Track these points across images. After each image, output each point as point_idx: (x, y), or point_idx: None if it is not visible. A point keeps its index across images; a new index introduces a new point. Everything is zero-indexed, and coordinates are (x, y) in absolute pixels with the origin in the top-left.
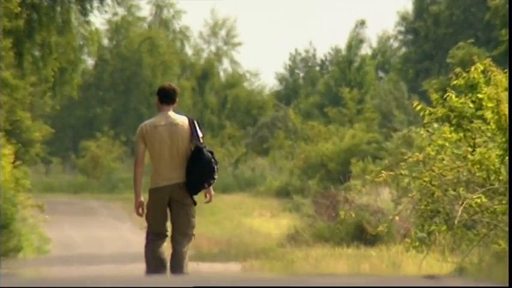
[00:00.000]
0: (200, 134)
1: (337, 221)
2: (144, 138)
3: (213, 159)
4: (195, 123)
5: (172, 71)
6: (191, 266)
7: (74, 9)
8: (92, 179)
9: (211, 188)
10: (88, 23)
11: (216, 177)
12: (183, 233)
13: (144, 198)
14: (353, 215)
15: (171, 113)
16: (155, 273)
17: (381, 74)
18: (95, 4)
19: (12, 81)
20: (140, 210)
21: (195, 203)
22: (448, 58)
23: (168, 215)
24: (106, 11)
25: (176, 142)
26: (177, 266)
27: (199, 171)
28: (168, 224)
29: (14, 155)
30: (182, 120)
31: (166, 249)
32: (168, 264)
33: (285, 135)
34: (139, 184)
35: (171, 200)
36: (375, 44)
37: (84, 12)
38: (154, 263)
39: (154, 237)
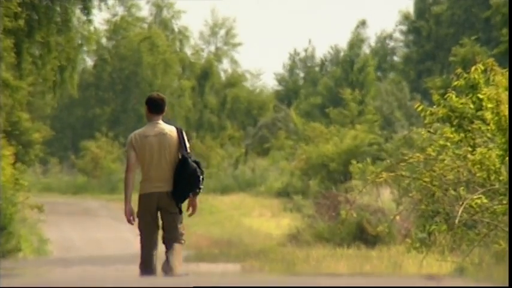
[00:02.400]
0: (187, 144)
1: (338, 221)
2: (134, 147)
3: (198, 169)
4: (183, 133)
5: (172, 70)
6: (191, 267)
7: (73, 9)
8: (92, 179)
9: (196, 199)
10: (90, 21)
11: (201, 186)
12: (172, 238)
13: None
14: (354, 215)
15: (160, 123)
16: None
17: (379, 74)
18: (96, 2)
19: (12, 82)
20: (131, 218)
21: (180, 212)
22: (451, 56)
23: (158, 220)
24: (108, 8)
25: (165, 151)
26: (168, 269)
27: (184, 181)
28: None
29: (13, 155)
30: (171, 129)
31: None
32: (160, 268)
33: (286, 136)
34: (129, 190)
35: (159, 208)
36: (373, 44)
37: (86, 12)
38: (145, 269)
39: (145, 242)
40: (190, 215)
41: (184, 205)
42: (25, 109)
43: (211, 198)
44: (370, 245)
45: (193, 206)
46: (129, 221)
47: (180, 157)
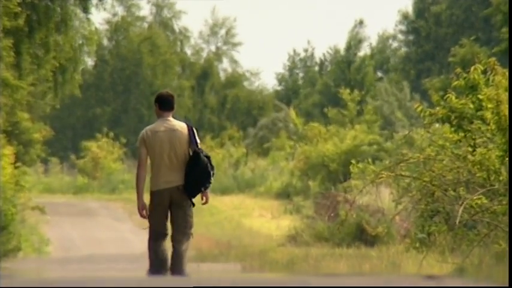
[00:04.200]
0: (198, 140)
1: (337, 222)
2: (145, 143)
3: (209, 164)
4: (194, 129)
5: (172, 70)
6: (191, 267)
7: (73, 8)
8: (92, 179)
9: (207, 190)
10: (88, 20)
11: (211, 181)
12: (182, 232)
13: (145, 199)
14: (354, 216)
15: (171, 119)
16: (156, 272)
17: (379, 74)
18: (94, 1)
19: (12, 82)
20: (144, 212)
21: (193, 204)
22: (450, 56)
23: (168, 215)
24: (105, 9)
25: (175, 147)
26: (177, 264)
27: (196, 175)
28: (168, 225)
29: (14, 155)
30: (181, 126)
31: (167, 248)
32: (169, 263)
33: (286, 136)
34: (141, 186)
35: (171, 202)
36: (374, 44)
37: (85, 10)
38: (156, 263)
39: (156, 236)
40: (204, 204)
41: (197, 197)
42: (25, 109)
43: (211, 199)
44: (370, 245)
45: (206, 196)
46: (142, 215)
47: (191, 152)
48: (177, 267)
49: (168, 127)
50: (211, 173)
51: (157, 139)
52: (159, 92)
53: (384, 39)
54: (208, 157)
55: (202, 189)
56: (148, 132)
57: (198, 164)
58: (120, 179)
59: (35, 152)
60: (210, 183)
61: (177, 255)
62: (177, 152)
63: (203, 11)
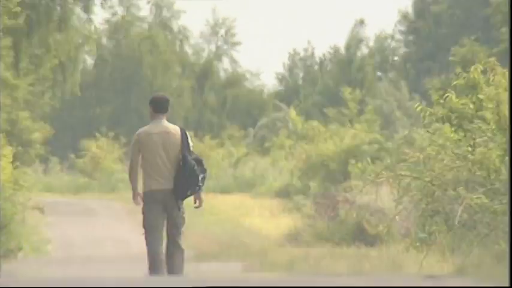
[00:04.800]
0: (191, 143)
1: (337, 221)
2: (139, 144)
3: (197, 167)
4: (187, 133)
5: (172, 70)
6: (191, 267)
7: (73, 8)
8: (92, 179)
9: (201, 193)
10: (90, 20)
11: (201, 184)
12: (175, 236)
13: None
14: (354, 215)
15: (165, 122)
16: (156, 272)
17: (378, 73)
18: (97, 1)
19: (12, 81)
20: (138, 199)
21: (178, 209)
22: (450, 56)
23: (164, 216)
24: (110, 7)
25: (168, 149)
26: (173, 264)
27: (182, 178)
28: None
29: (13, 155)
30: (175, 128)
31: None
32: (164, 263)
33: (285, 135)
34: (135, 180)
35: (164, 205)
36: (371, 44)
37: (87, 10)
38: (155, 263)
39: (152, 236)
40: (197, 207)
41: (190, 199)
42: (24, 108)
43: (211, 198)
44: (370, 244)
45: (199, 199)
46: (136, 203)
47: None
48: (172, 267)
49: (162, 129)
50: (201, 176)
51: (151, 141)
52: (154, 94)
53: (381, 39)
54: (198, 160)
55: (188, 193)
56: (142, 134)
57: (184, 167)
58: (119, 178)
59: (34, 152)
60: (199, 186)
61: (172, 255)
62: (169, 155)
63: (203, 11)
